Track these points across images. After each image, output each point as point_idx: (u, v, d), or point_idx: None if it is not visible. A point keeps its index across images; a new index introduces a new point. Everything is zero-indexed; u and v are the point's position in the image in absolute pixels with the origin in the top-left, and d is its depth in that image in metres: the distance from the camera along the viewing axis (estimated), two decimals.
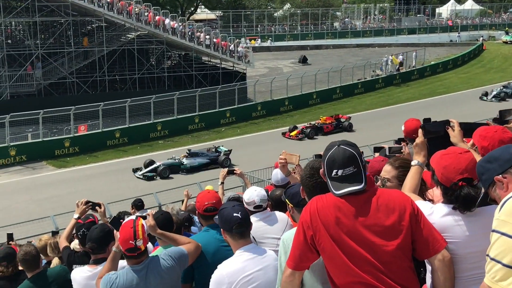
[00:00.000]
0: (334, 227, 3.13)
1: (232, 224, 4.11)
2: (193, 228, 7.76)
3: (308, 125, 33.74)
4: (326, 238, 3.15)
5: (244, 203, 5.06)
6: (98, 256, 5.18)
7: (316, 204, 3.24)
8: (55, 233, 11.51)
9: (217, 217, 4.33)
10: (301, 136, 32.43)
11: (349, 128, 34.03)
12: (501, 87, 43.15)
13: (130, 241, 4.43)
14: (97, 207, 6.53)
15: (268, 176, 20.10)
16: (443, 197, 3.34)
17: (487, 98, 41.46)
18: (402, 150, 5.70)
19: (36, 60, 40.10)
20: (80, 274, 5.17)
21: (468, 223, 3.22)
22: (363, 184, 3.19)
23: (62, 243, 6.20)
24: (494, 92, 41.99)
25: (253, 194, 5.16)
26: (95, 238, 5.12)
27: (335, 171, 3.21)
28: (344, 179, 3.19)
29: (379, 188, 3.41)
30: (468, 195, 3.18)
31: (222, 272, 3.99)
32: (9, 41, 44.02)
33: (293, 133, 32.76)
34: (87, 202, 6.55)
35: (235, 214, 4.14)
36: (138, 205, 12.67)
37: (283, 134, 33.23)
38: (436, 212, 3.31)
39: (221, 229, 4.23)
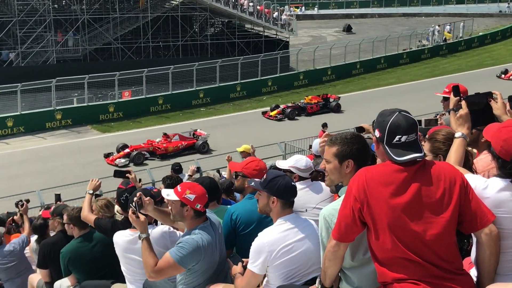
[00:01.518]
0: (383, 200, 3.09)
1: (292, 192, 4.15)
2: (237, 195, 7.85)
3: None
4: (374, 211, 3.12)
5: (298, 171, 5.08)
6: None
7: (364, 175, 3.18)
8: (98, 196, 11.84)
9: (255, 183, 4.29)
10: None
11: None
12: None
13: (206, 195, 4.60)
14: (127, 175, 6.61)
15: (307, 146, 20.13)
16: (500, 171, 3.24)
17: None
18: (439, 122, 5.63)
19: (70, 28, 40.54)
20: (121, 237, 5.25)
21: None
22: (423, 152, 3.15)
23: (89, 217, 6.15)
24: None
25: (307, 161, 5.16)
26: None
27: (398, 136, 3.14)
28: (406, 145, 3.13)
29: (429, 160, 3.33)
30: None
31: (263, 240, 4.02)
32: (56, 5, 44.59)
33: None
34: (115, 172, 6.69)
35: (293, 183, 4.20)
36: (176, 169, 12.91)
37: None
38: (491, 186, 3.23)
39: (271, 197, 4.15)
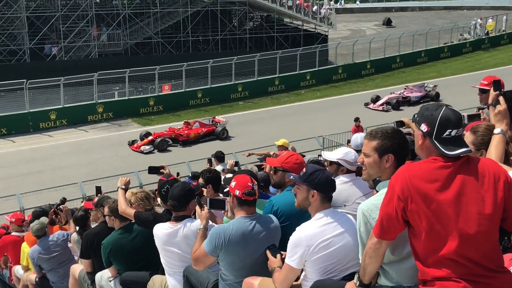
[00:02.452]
0: (427, 197, 3.05)
1: (332, 186, 4.15)
2: (271, 189, 7.88)
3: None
4: (417, 209, 3.08)
5: (346, 163, 5.05)
6: (179, 213, 5.31)
7: (407, 173, 3.14)
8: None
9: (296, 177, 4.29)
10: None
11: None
12: None
13: (249, 183, 4.64)
14: (161, 170, 6.69)
15: (345, 140, 20.01)
16: None
17: None
18: (482, 117, 5.54)
19: (102, 24, 41.03)
20: (161, 230, 5.31)
21: None
22: (469, 147, 3.12)
23: (127, 211, 6.18)
24: None
25: (356, 154, 5.11)
26: (176, 196, 5.26)
27: (449, 130, 3.09)
28: (455, 140, 3.10)
29: (472, 156, 3.26)
30: None
31: (301, 234, 4.01)
32: (98, 0, 45.30)
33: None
34: (149, 168, 6.78)
35: (332, 178, 4.20)
36: (221, 156, 13.04)
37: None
38: None
39: (311, 190, 4.13)
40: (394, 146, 3.59)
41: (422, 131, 3.20)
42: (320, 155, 9.80)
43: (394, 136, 3.62)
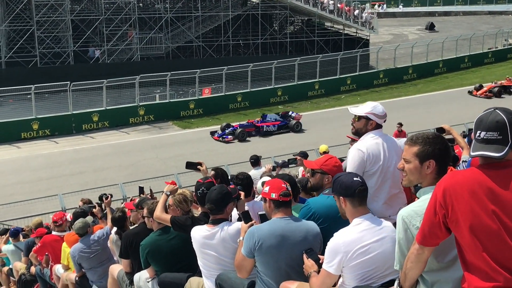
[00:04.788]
0: (469, 206, 2.99)
1: (355, 187, 4.07)
2: None
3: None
4: (459, 217, 3.03)
5: (376, 117, 5.01)
6: (217, 216, 5.29)
7: (450, 180, 3.10)
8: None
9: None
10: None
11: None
12: None
13: (282, 185, 4.69)
14: (198, 166, 6.71)
15: None
16: None
17: None
18: None
19: (135, 30, 41.25)
20: (198, 232, 5.32)
21: None
22: (502, 153, 2.98)
23: (162, 216, 6.16)
24: None
25: (383, 107, 5.09)
26: (214, 199, 5.24)
27: (479, 132, 3.04)
28: (485, 142, 3.02)
29: None
30: None
31: (339, 241, 3.98)
32: (141, 4, 45.93)
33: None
34: (187, 163, 6.82)
35: (355, 179, 4.13)
36: (251, 162, 13.05)
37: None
38: None
39: (340, 197, 4.15)
40: (435, 152, 3.52)
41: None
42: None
43: (435, 142, 3.55)
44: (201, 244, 5.28)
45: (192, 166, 6.84)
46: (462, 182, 3.05)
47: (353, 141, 9.36)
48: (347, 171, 4.83)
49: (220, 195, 5.26)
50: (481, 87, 33.63)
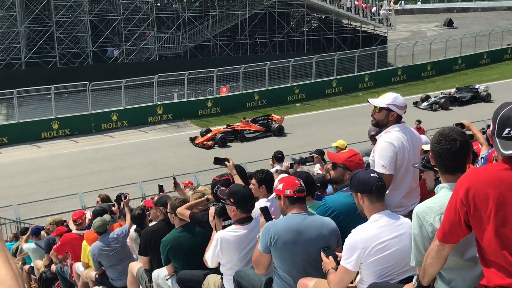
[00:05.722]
0: (490, 202, 2.96)
1: (372, 184, 4.05)
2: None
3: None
4: (480, 215, 3.01)
5: (397, 108, 4.96)
6: (241, 216, 5.26)
7: (471, 177, 3.08)
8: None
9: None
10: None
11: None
12: None
13: (296, 181, 4.72)
14: (226, 162, 6.75)
15: None
16: None
17: None
18: None
19: (152, 29, 41.42)
20: (230, 233, 5.27)
21: None
22: None
23: (185, 212, 6.21)
24: None
25: (403, 98, 5.05)
26: (239, 201, 5.19)
27: (508, 129, 2.94)
28: None
29: None
30: None
31: (356, 237, 3.98)
32: (158, 4, 46.12)
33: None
34: (215, 159, 6.85)
35: (372, 175, 4.13)
36: (278, 156, 13.06)
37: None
38: None
39: (357, 194, 4.15)
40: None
41: (490, 129, 3.12)
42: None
43: (441, 140, 3.56)
44: (229, 243, 5.22)
45: (219, 161, 6.89)
46: (483, 179, 3.03)
47: (372, 137, 9.33)
48: (377, 163, 4.83)
49: (244, 197, 5.23)
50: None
